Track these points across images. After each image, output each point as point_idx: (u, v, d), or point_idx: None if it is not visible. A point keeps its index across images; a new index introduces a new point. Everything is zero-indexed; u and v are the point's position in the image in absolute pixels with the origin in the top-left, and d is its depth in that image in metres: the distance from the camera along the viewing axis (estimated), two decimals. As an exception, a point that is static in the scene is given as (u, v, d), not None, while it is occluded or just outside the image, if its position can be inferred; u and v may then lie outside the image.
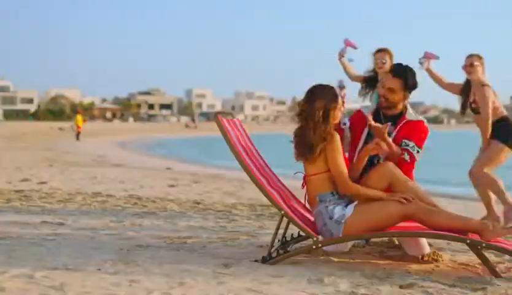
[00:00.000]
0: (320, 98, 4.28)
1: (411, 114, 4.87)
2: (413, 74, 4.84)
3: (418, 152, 4.78)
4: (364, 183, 4.34)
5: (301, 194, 4.68)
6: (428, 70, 6.46)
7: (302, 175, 4.48)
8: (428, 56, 6.47)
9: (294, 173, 4.65)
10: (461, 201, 10.82)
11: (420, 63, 6.44)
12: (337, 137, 4.26)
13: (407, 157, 4.74)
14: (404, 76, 4.77)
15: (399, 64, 4.89)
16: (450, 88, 6.53)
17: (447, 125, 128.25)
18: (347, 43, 6.65)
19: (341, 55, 6.68)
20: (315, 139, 4.23)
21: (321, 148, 4.23)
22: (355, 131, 4.88)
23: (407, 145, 4.77)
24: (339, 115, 4.35)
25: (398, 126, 4.79)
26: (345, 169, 4.25)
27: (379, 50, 6.21)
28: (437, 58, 6.47)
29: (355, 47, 6.65)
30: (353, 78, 6.62)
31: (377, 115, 4.85)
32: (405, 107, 4.89)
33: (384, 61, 6.14)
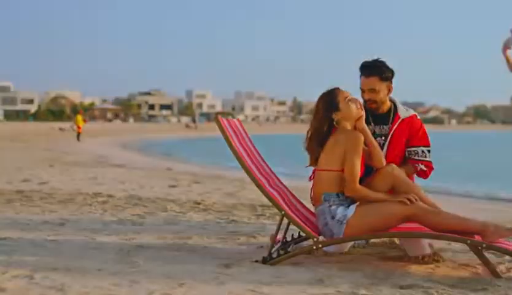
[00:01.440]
0: (320, 98, 4.36)
1: (402, 110, 4.72)
2: (383, 63, 4.60)
3: (429, 151, 4.71)
4: (367, 185, 4.31)
5: (301, 194, 4.67)
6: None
7: (312, 168, 4.44)
8: None
9: (307, 166, 4.55)
10: (461, 201, 10.82)
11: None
12: (361, 137, 4.21)
13: (423, 167, 4.68)
14: (377, 70, 4.57)
15: (366, 63, 4.62)
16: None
17: (448, 125, 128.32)
18: None
19: (507, 46, 5.76)
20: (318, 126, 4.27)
21: (343, 146, 4.19)
22: None
23: (417, 154, 4.67)
24: (352, 108, 4.28)
25: (393, 127, 4.69)
26: (358, 172, 4.19)
27: None
28: None
29: None
30: None
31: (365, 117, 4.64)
32: (393, 103, 4.74)
33: None
